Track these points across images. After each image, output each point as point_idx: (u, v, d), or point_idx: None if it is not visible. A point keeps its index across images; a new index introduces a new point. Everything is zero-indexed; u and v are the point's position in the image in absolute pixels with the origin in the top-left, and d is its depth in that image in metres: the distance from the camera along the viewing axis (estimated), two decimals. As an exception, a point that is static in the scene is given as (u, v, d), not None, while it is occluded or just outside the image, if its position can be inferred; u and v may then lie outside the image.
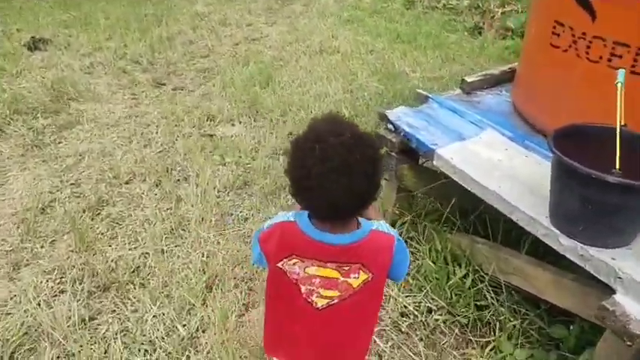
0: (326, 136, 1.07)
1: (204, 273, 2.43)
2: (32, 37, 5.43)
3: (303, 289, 1.21)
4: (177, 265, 2.50)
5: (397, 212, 2.62)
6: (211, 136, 3.73)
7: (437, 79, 4.63)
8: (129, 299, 2.30)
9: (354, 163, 1.06)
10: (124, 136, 3.72)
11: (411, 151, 2.45)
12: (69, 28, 6.09)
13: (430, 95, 2.67)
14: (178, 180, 3.20)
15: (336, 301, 1.22)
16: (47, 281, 2.37)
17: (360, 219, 1.22)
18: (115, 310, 2.26)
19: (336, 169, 1.05)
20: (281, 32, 6.32)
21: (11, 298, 2.29)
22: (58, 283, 2.37)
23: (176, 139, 3.66)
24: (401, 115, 2.48)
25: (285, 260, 1.19)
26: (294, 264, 1.19)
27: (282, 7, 7.58)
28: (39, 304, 2.21)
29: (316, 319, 1.25)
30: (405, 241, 1.46)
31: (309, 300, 1.22)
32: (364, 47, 5.54)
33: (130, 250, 2.59)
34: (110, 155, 3.42)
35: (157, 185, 3.12)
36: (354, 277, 1.19)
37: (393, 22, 6.45)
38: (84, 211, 2.84)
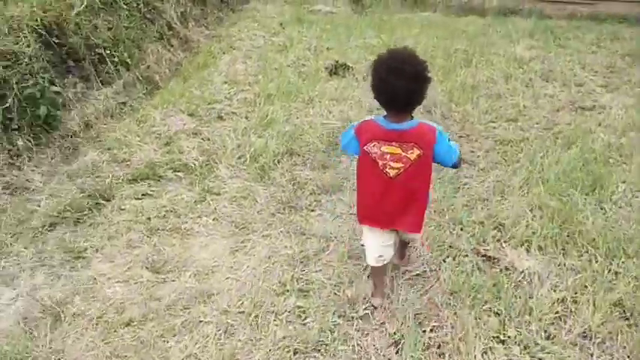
0: (393, 55, 1.82)
1: None
2: (336, 62, 5.17)
3: (380, 163, 1.87)
4: None
5: None
6: (489, 259, 2.52)
7: None
8: None
9: (407, 73, 1.72)
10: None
11: None
12: (373, 54, 5.66)
13: None
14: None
15: (401, 170, 1.86)
16: None
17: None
18: None
19: (395, 76, 1.72)
20: (625, 106, 4.49)
21: None
22: None
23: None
24: None
25: (368, 144, 1.86)
26: (373, 146, 1.86)
27: (631, 66, 5.57)
28: None
29: (389, 185, 1.89)
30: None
31: (384, 171, 1.88)
32: None
33: None
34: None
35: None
36: (411, 153, 1.83)
37: None
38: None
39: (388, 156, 1.84)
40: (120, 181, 2.88)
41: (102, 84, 4.44)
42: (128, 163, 3.08)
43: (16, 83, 3.35)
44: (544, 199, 2.99)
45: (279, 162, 3.27)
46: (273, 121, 3.80)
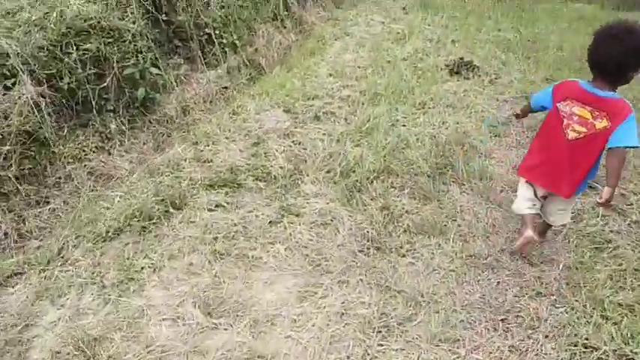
0: (620, 23, 1.80)
1: None
2: (461, 58, 4.42)
3: (564, 122, 1.91)
4: None
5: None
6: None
7: None
8: None
9: (625, 43, 1.75)
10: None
11: None
12: (508, 52, 4.78)
13: None
14: None
15: (582, 135, 1.88)
16: None
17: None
18: None
19: (608, 44, 1.78)
20: None
21: None
22: None
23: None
24: None
25: (562, 102, 1.93)
26: (566, 105, 1.91)
27: None
28: None
29: (564, 147, 1.93)
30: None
31: (565, 132, 1.92)
32: None
33: None
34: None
35: None
36: (599, 121, 1.84)
37: None
38: None
39: (576, 117, 1.91)
40: (197, 185, 2.61)
41: (207, 66, 4.26)
42: (210, 164, 2.80)
43: (117, 62, 3.24)
44: None
45: (373, 181, 2.76)
46: (375, 128, 3.27)
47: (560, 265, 2.22)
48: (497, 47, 4.88)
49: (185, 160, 2.85)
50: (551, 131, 1.99)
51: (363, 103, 3.66)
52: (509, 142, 3.26)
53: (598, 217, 2.61)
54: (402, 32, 5.28)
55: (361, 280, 2.10)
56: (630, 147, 1.84)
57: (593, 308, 1.99)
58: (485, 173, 2.82)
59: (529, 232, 2.09)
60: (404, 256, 2.24)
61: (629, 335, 1.90)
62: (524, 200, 2.16)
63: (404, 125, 3.41)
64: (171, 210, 2.40)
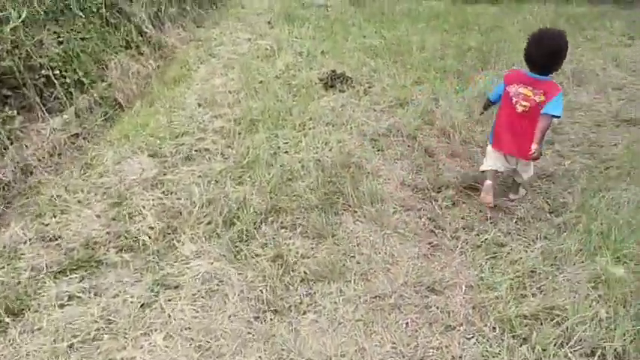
0: (543, 32, 2.43)
1: None
2: (333, 71, 4.32)
3: (513, 100, 2.49)
4: None
5: None
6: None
7: None
8: None
9: (543, 46, 2.38)
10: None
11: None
12: (376, 58, 4.80)
13: None
14: None
15: (527, 109, 2.46)
16: None
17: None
18: None
19: (535, 44, 2.40)
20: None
21: None
22: None
23: None
24: None
25: (510, 85, 2.52)
26: (514, 87, 2.50)
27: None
28: None
29: (516, 119, 2.51)
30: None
31: (515, 107, 2.49)
32: None
33: None
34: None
35: None
36: (538, 97, 2.42)
37: None
38: None
39: (521, 96, 2.48)
40: (42, 275, 2.08)
41: (49, 113, 3.60)
42: (58, 242, 2.27)
43: None
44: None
45: (260, 225, 2.47)
46: (256, 161, 2.98)
47: (463, 287, 2.13)
48: (366, 54, 4.87)
49: (25, 243, 2.28)
50: (505, 109, 2.57)
51: (239, 134, 3.34)
52: (393, 155, 3.18)
53: (487, 220, 2.61)
54: (270, 48, 5.05)
55: (260, 357, 1.79)
56: (555, 116, 2.42)
57: (503, 330, 1.92)
58: (376, 195, 2.67)
59: (488, 182, 2.68)
60: (305, 313, 1.97)
61: (540, 350, 1.85)
62: (490, 160, 2.69)
63: (286, 152, 3.16)
64: (6, 319, 1.86)
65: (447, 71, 4.45)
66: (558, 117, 2.43)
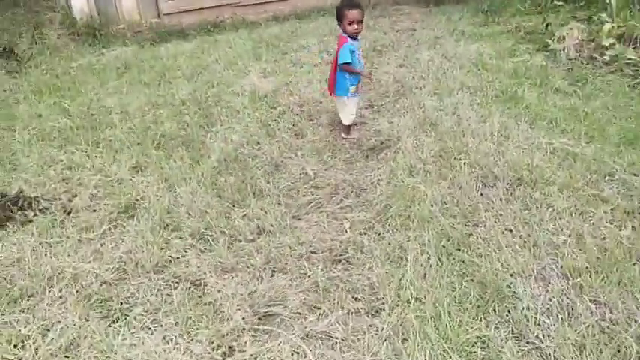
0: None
1: None
2: (4, 197, 2.82)
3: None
4: None
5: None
6: None
7: None
8: None
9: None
10: None
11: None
12: (67, 146, 3.45)
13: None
14: None
15: (333, 57, 3.38)
16: None
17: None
18: None
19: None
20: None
21: None
22: None
23: None
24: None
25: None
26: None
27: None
28: None
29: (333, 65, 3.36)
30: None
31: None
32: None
33: None
34: None
35: None
36: (336, 48, 3.28)
37: None
38: None
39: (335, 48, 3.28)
40: None
41: None
42: None
43: None
44: None
45: None
46: None
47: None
48: (51, 146, 3.47)
49: None
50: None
51: None
52: None
53: None
54: None
55: None
56: (341, 62, 3.16)
57: None
58: None
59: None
60: None
61: None
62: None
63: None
64: None
65: (170, 140, 3.52)
66: (344, 62, 3.17)
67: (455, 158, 3.10)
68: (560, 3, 5.56)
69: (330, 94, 3.47)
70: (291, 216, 2.68)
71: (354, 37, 3.19)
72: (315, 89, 4.37)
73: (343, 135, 3.48)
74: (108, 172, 3.16)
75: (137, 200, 2.84)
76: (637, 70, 4.19)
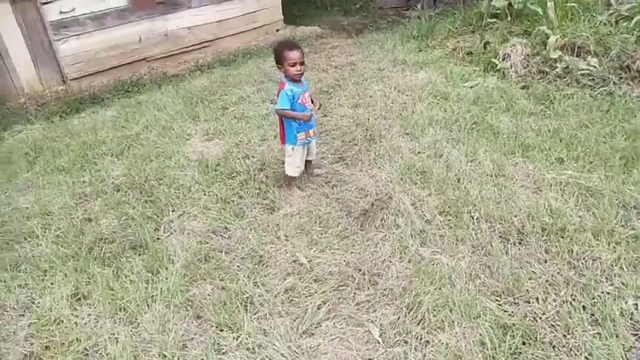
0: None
1: None
2: None
3: None
4: None
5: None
6: None
7: None
8: None
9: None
10: None
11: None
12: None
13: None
14: None
15: None
16: None
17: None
18: None
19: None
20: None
21: None
22: None
23: None
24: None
25: None
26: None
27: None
28: None
29: None
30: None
31: None
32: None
33: None
34: None
35: None
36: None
37: None
38: None
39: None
40: None
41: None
42: None
43: None
44: None
45: None
46: None
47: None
48: None
49: None
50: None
51: None
52: None
53: None
54: None
55: None
56: (276, 109, 2.91)
57: None
58: None
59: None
60: None
61: None
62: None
63: None
64: None
65: (112, 244, 2.78)
66: (278, 109, 2.88)
67: (463, 212, 2.69)
68: (493, 20, 5.52)
69: (281, 145, 3.14)
70: (300, 332, 2.08)
71: (296, 80, 2.86)
72: (272, 146, 3.82)
73: (286, 189, 3.18)
74: (39, 307, 2.36)
75: (86, 350, 2.08)
76: (593, 79, 4.13)
